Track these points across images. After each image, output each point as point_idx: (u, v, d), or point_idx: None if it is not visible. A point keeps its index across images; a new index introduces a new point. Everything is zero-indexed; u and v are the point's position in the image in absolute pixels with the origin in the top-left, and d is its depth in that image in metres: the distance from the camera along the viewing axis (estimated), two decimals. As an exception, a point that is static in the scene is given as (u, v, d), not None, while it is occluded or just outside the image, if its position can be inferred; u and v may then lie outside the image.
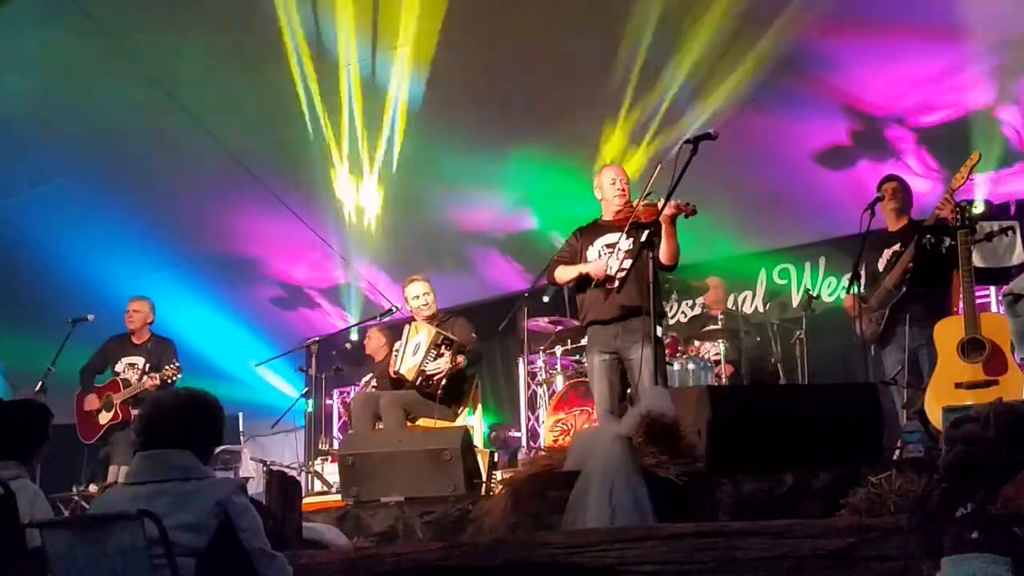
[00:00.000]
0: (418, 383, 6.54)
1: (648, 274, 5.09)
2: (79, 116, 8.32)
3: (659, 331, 5.31)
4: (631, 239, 5.41)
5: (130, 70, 7.87)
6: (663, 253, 5.29)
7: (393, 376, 6.83)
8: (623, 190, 5.65)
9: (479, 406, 6.96)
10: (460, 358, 6.57)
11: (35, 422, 4.07)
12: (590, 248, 5.64)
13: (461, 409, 6.72)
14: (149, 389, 7.08)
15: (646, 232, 5.12)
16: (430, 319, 6.81)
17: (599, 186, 5.74)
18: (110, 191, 9.02)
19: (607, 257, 5.51)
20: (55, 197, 9.00)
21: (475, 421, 6.88)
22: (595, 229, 5.70)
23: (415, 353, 6.66)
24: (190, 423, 3.16)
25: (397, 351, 6.85)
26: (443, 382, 6.51)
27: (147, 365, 7.44)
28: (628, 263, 5.27)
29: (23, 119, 8.26)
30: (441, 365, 6.52)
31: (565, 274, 5.71)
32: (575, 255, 5.73)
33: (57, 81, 8.03)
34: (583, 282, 5.64)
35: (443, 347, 6.55)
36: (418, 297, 6.82)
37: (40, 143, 8.51)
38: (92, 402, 7.38)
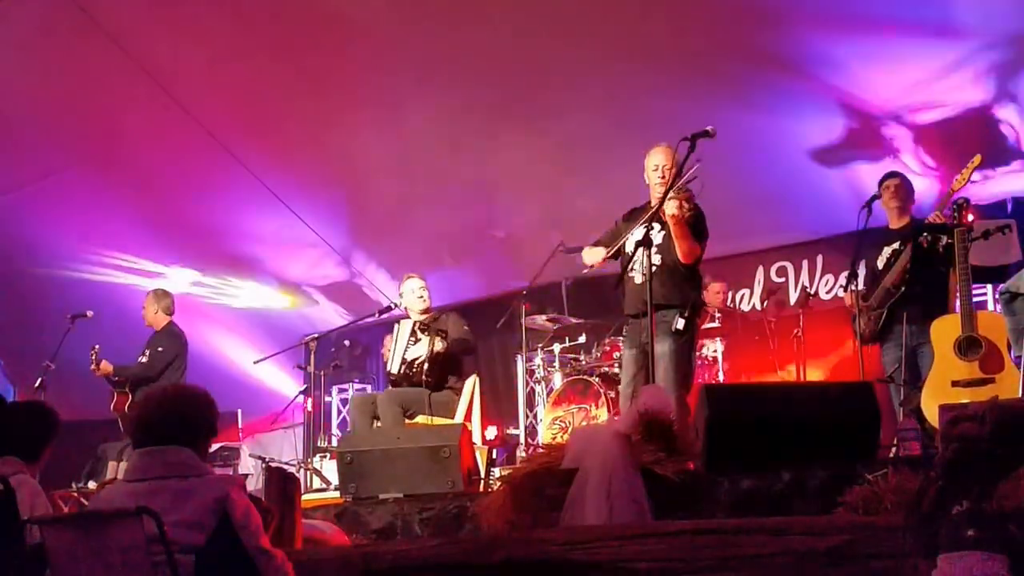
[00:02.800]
0: (402, 372, 6.59)
1: (675, 268, 5.10)
2: (79, 113, 8.31)
3: (681, 323, 5.28)
4: (663, 232, 5.37)
5: (130, 67, 7.86)
6: (678, 252, 5.30)
7: (389, 377, 6.90)
8: (663, 178, 5.46)
9: (475, 399, 6.97)
10: (439, 343, 6.62)
11: (40, 424, 4.09)
12: (629, 237, 5.55)
13: (458, 397, 6.74)
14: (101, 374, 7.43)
15: (645, 229, 5.13)
16: (424, 312, 6.92)
17: (645, 170, 5.61)
18: (110, 188, 9.03)
19: (641, 251, 5.38)
20: (55, 194, 9.00)
21: (474, 419, 6.90)
22: (638, 217, 5.57)
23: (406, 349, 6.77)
24: (180, 418, 3.17)
25: (389, 351, 6.93)
26: (425, 367, 6.54)
27: (148, 354, 7.53)
28: (656, 258, 5.25)
29: (23, 115, 8.25)
30: (420, 350, 6.58)
31: (587, 257, 5.72)
32: (613, 239, 5.67)
33: (57, 78, 8.01)
34: (623, 276, 5.55)
35: (420, 332, 6.67)
36: (414, 291, 6.93)
37: (40, 140, 8.50)
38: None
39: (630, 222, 5.63)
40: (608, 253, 5.57)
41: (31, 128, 8.39)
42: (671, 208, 5.13)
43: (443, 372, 6.68)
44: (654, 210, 5.25)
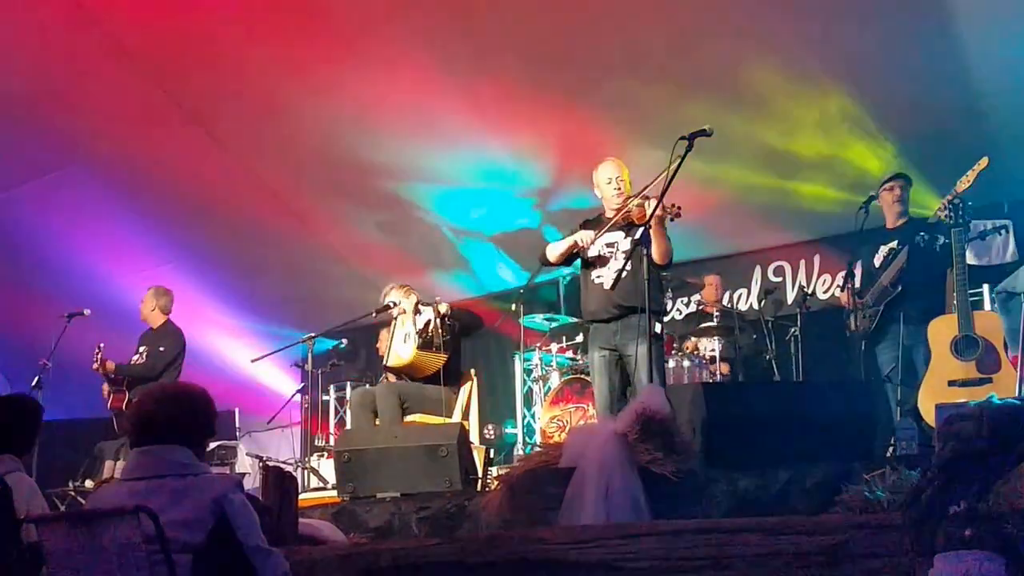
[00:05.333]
0: (419, 347, 6.60)
1: (644, 272, 5.12)
2: (75, 110, 8.30)
3: (657, 328, 5.32)
4: (630, 238, 5.42)
5: (128, 64, 7.86)
6: (655, 252, 5.30)
7: (385, 370, 6.90)
8: (619, 188, 5.60)
9: (472, 398, 6.97)
10: (443, 306, 6.71)
11: (26, 416, 4.08)
12: (591, 247, 5.63)
13: (456, 389, 6.75)
14: (105, 372, 7.42)
15: (639, 231, 5.14)
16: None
17: (597, 184, 5.73)
18: (108, 185, 9.01)
19: (610, 257, 5.52)
20: (53, 190, 8.98)
21: (471, 418, 6.90)
22: (596, 227, 5.65)
23: (405, 341, 6.77)
24: (178, 417, 3.17)
25: (385, 348, 6.94)
26: (438, 325, 6.59)
27: (145, 353, 7.51)
28: (628, 263, 5.27)
29: (21, 111, 8.24)
30: (428, 316, 6.66)
31: (554, 250, 5.74)
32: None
33: (55, 74, 8.00)
34: (586, 280, 5.65)
35: (419, 305, 6.78)
36: (398, 303, 6.91)
37: (38, 136, 8.49)
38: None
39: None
40: (594, 238, 5.58)
41: (27, 126, 8.38)
42: (651, 207, 5.17)
43: (455, 343, 6.71)
44: (647, 216, 5.27)
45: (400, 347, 6.77)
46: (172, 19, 7.55)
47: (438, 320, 6.62)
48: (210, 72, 8.01)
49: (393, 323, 6.99)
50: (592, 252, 5.61)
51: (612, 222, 5.52)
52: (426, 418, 6.48)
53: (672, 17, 7.00)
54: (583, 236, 5.60)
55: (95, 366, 7.39)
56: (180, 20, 7.56)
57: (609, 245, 5.56)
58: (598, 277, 5.55)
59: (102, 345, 7.42)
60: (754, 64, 7.07)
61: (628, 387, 5.42)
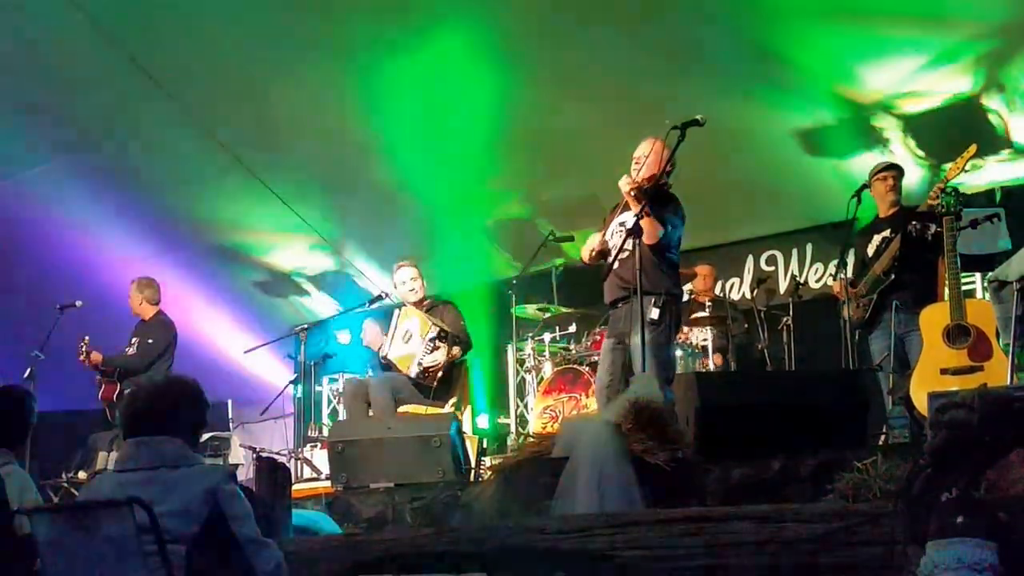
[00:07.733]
0: (415, 375, 6.56)
1: (647, 255, 5.11)
2: (69, 102, 8.26)
3: (655, 313, 5.23)
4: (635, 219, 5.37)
5: (118, 58, 7.81)
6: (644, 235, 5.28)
7: (383, 362, 6.88)
8: (637, 166, 5.45)
9: (467, 392, 6.97)
10: (456, 349, 6.64)
11: (19, 408, 4.05)
12: (609, 227, 5.59)
13: (451, 396, 6.74)
14: (91, 364, 7.36)
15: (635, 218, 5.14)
16: (418, 304, 6.87)
17: None
18: (98, 178, 8.98)
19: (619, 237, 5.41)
20: (44, 184, 8.95)
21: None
22: (619, 206, 5.59)
23: (405, 340, 6.70)
24: (170, 409, 3.17)
25: (387, 336, 6.89)
26: (440, 374, 6.55)
27: (136, 344, 7.49)
28: (628, 244, 5.24)
29: (13, 104, 8.20)
30: (439, 358, 6.58)
31: (583, 252, 5.76)
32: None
33: (48, 67, 7.96)
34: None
35: (439, 340, 6.61)
36: (405, 282, 6.87)
37: (30, 129, 8.45)
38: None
39: (612, 214, 5.66)
40: (600, 239, 5.57)
41: (17, 117, 8.34)
42: (621, 185, 5.16)
43: (446, 380, 6.69)
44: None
45: (400, 344, 6.73)
46: (164, 10, 7.54)
47: (439, 373, 6.57)
48: (203, 63, 7.99)
49: (397, 313, 6.91)
50: (608, 234, 5.57)
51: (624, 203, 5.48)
52: (419, 408, 6.48)
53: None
54: (585, 247, 5.63)
55: (81, 358, 7.37)
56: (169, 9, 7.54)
57: (621, 224, 5.47)
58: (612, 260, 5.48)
59: (87, 338, 7.39)
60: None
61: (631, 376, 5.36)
